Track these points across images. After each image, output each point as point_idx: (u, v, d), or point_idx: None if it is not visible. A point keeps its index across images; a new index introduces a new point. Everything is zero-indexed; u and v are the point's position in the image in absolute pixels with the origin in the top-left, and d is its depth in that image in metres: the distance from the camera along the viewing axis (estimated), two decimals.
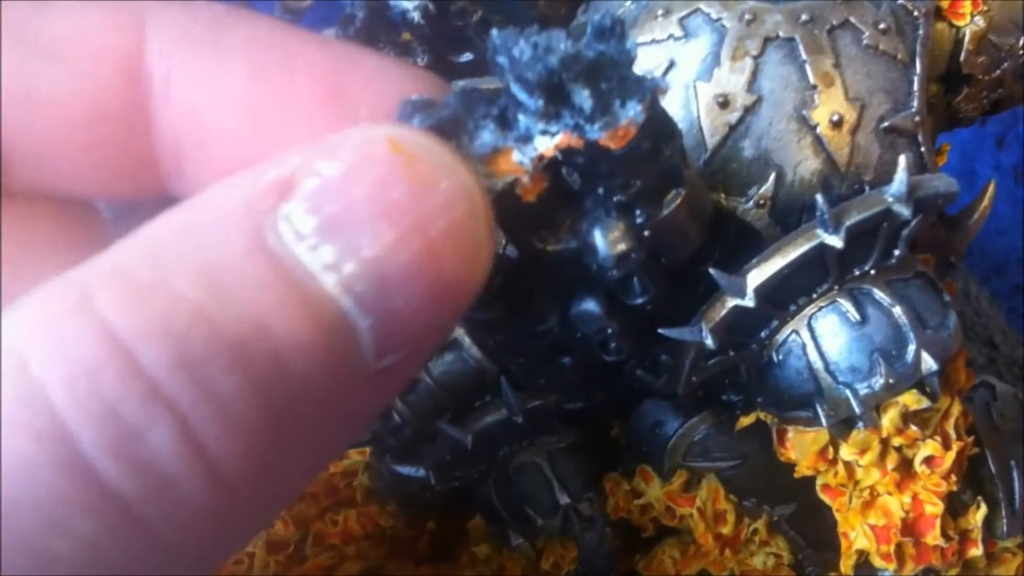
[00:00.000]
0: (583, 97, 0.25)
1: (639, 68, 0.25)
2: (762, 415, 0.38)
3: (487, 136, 0.25)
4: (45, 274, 0.19)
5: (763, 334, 0.36)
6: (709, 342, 0.34)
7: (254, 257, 0.19)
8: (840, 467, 0.37)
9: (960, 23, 0.39)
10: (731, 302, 0.33)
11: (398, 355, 0.20)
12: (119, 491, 0.18)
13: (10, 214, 0.24)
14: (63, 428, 0.17)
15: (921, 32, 0.37)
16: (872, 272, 0.35)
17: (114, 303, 0.18)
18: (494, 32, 0.24)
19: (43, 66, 0.23)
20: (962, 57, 0.39)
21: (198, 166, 0.24)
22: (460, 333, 0.38)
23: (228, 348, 0.18)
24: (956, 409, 0.37)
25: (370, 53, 0.25)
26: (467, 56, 0.40)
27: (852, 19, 0.36)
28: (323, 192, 0.19)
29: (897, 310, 0.35)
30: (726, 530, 0.42)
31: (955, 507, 0.39)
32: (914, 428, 0.36)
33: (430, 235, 0.19)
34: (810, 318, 0.35)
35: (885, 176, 0.34)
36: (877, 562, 0.38)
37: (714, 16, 0.36)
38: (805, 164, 0.35)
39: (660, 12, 0.36)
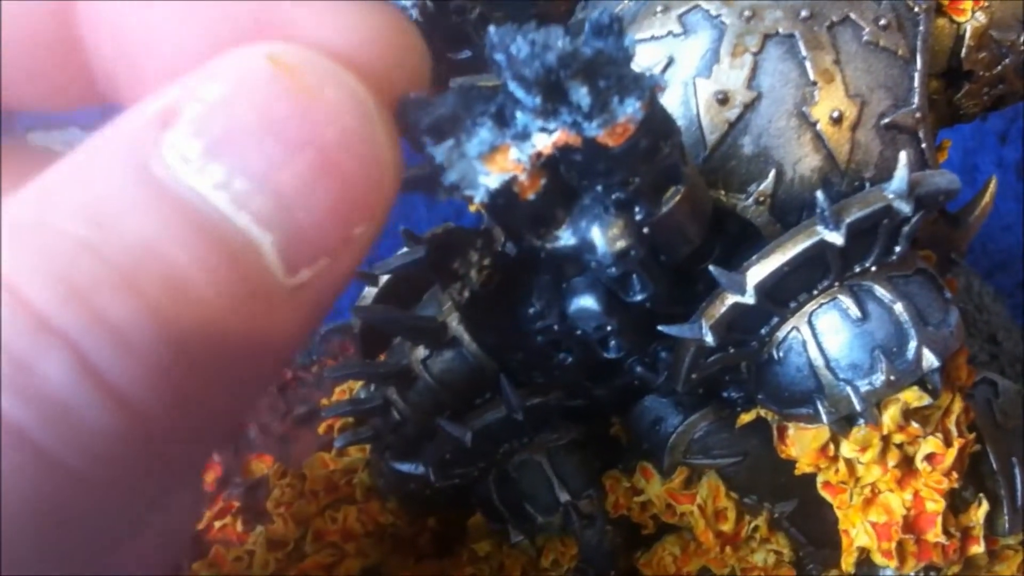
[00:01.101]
0: (581, 94, 0.25)
1: (638, 65, 0.25)
2: (763, 412, 0.38)
3: (485, 133, 0.25)
4: None
5: (763, 331, 0.35)
6: (709, 339, 0.34)
7: (137, 186, 0.19)
8: (841, 464, 0.37)
9: (961, 19, 0.39)
10: (731, 299, 0.33)
11: (313, 269, 0.20)
12: (19, 424, 0.18)
13: None
14: None
15: (922, 28, 0.37)
16: (873, 269, 0.35)
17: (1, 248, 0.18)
18: (492, 29, 0.24)
19: None
20: (963, 53, 0.39)
21: (133, 85, 0.24)
22: (460, 330, 0.38)
23: (114, 274, 0.18)
24: (957, 406, 0.37)
25: None
26: (466, 53, 0.40)
27: (852, 15, 0.35)
28: (207, 116, 0.19)
29: (898, 307, 0.34)
30: (727, 527, 0.42)
31: (956, 504, 0.39)
32: (915, 425, 0.36)
33: (321, 144, 0.19)
34: (811, 315, 0.35)
35: (886, 173, 0.34)
36: (878, 559, 0.38)
37: (713, 13, 0.36)
38: (805, 161, 0.35)
39: (659, 9, 0.36)
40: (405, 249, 0.35)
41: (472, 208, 0.49)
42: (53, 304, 0.18)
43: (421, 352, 0.38)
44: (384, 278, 0.40)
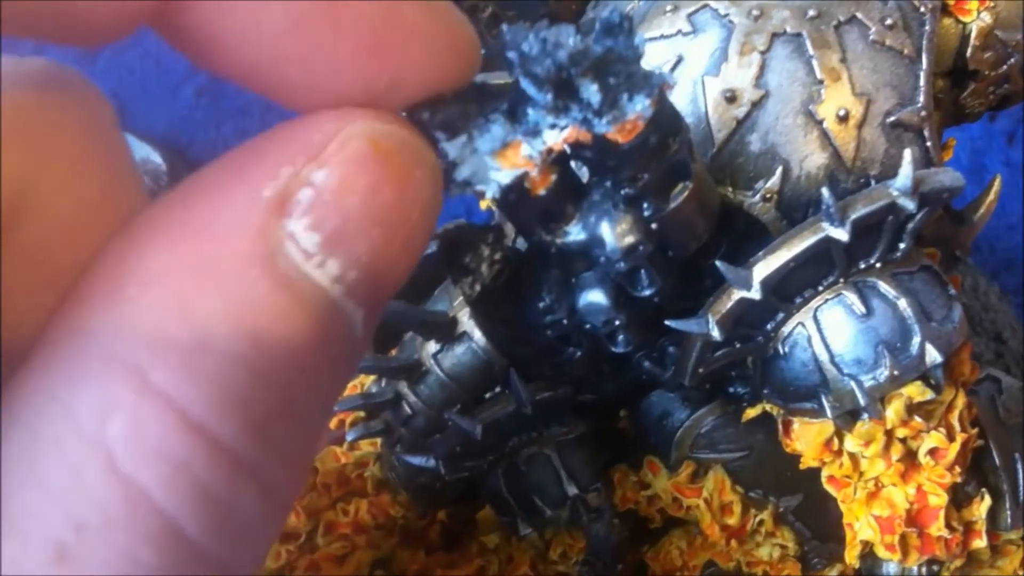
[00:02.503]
0: (591, 92, 0.25)
1: (647, 63, 0.25)
2: (768, 407, 0.39)
3: (497, 130, 0.25)
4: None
5: (769, 326, 0.36)
6: (715, 334, 0.34)
7: (278, 291, 0.19)
8: (845, 458, 0.38)
9: (966, 19, 0.39)
10: (737, 294, 0.34)
11: (378, 320, 0.22)
12: (223, 560, 0.19)
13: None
14: (174, 527, 0.18)
15: (927, 28, 0.37)
16: (878, 265, 0.35)
17: (173, 380, 0.18)
18: (504, 27, 0.25)
19: None
20: (968, 53, 0.39)
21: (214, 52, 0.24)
22: (470, 325, 0.38)
23: (280, 399, 0.19)
24: (960, 401, 0.37)
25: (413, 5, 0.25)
26: None
27: (859, 15, 0.36)
28: (320, 206, 0.20)
29: (902, 303, 0.35)
30: (732, 521, 0.42)
31: (959, 499, 0.39)
32: (918, 420, 0.36)
33: (411, 223, 0.21)
34: (816, 311, 0.35)
35: (891, 170, 0.35)
36: (881, 553, 0.38)
37: (722, 12, 0.36)
38: (811, 158, 0.35)
39: (669, 8, 0.37)
40: None
41: (483, 205, 0.50)
42: (240, 439, 0.18)
43: (432, 347, 0.39)
44: None
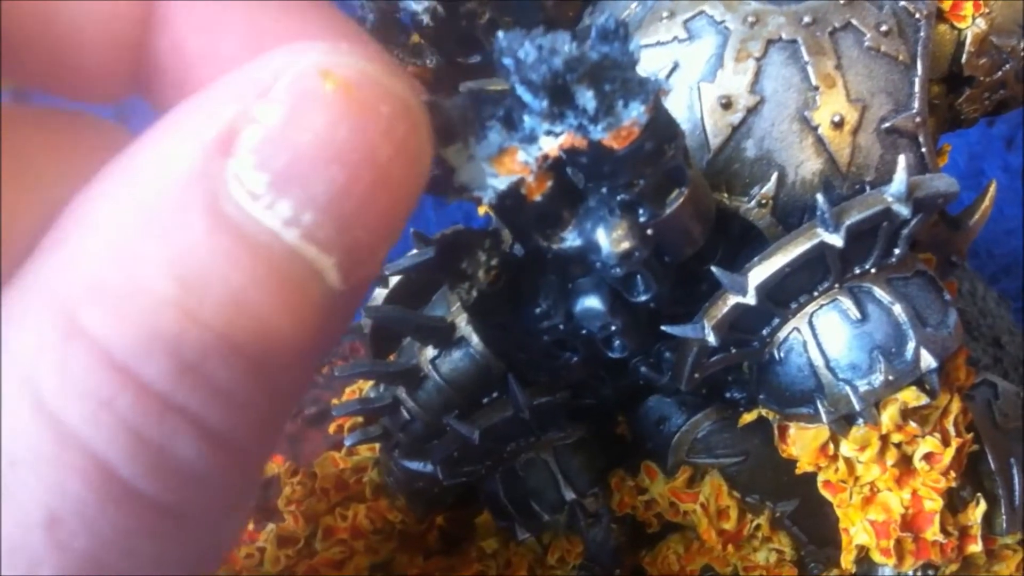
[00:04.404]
0: (587, 98, 0.25)
1: (644, 69, 0.26)
2: (764, 412, 0.39)
3: (493, 136, 0.26)
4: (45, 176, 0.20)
5: (765, 331, 0.36)
6: (711, 339, 0.34)
7: (218, 234, 0.19)
8: (841, 463, 0.38)
9: (962, 25, 0.39)
10: (733, 300, 0.34)
11: (364, 273, 0.21)
12: (164, 503, 0.19)
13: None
14: (102, 463, 0.18)
15: (923, 34, 0.37)
16: (873, 271, 0.35)
17: (102, 321, 0.18)
18: (500, 34, 0.25)
19: None
20: (964, 59, 0.39)
21: (175, 92, 0.24)
22: (468, 330, 0.38)
23: (218, 340, 0.19)
24: (956, 406, 0.37)
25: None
26: (475, 58, 0.41)
27: (854, 21, 0.36)
28: (268, 144, 0.19)
29: (897, 308, 0.35)
30: (729, 526, 0.42)
31: (955, 503, 0.39)
32: (913, 425, 0.36)
33: (379, 163, 0.19)
34: (811, 316, 0.36)
35: (886, 176, 0.35)
36: (877, 557, 0.38)
37: (718, 18, 0.36)
38: (807, 164, 0.35)
39: (665, 14, 0.37)
40: (415, 251, 0.36)
41: (481, 211, 0.50)
42: (172, 383, 0.18)
43: (430, 352, 0.39)
44: (394, 279, 0.40)
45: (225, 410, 0.19)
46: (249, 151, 0.19)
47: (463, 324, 0.38)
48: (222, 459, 0.19)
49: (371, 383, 0.44)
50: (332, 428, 0.52)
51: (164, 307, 0.18)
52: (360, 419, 0.45)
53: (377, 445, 0.47)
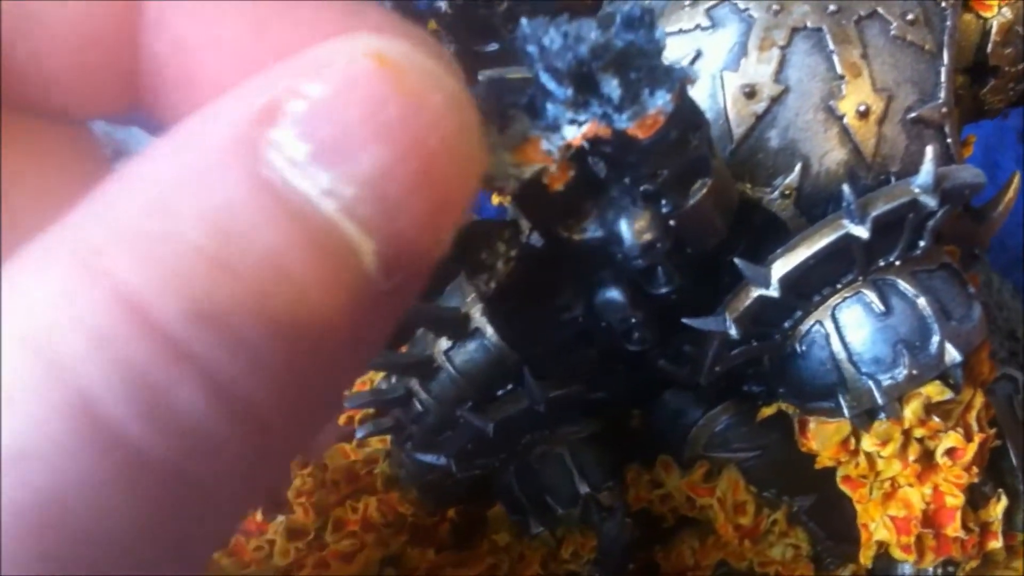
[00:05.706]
0: (612, 86, 0.25)
1: (667, 58, 0.25)
2: (783, 406, 0.38)
3: (516, 125, 0.25)
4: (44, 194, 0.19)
5: (787, 324, 0.36)
6: (733, 332, 0.34)
7: (258, 195, 0.18)
8: (861, 458, 0.37)
9: (987, 14, 0.39)
10: (755, 292, 0.33)
11: (405, 273, 0.20)
12: (160, 458, 0.18)
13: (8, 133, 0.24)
14: (88, 399, 0.17)
15: (949, 23, 0.37)
16: (897, 263, 0.35)
17: (126, 264, 0.18)
18: (524, 21, 0.24)
19: None
20: (989, 48, 0.39)
21: (181, 97, 0.24)
22: (483, 322, 0.38)
23: (249, 295, 0.18)
24: (979, 401, 0.37)
25: (374, 9, 0.25)
26: (493, 46, 0.40)
27: (880, 9, 0.36)
28: (313, 116, 0.19)
29: (921, 301, 0.35)
30: (745, 521, 0.42)
31: (976, 499, 0.39)
32: (936, 420, 0.36)
33: (426, 151, 0.19)
34: (834, 309, 0.35)
35: (911, 167, 0.34)
36: (897, 554, 0.38)
37: (741, 6, 0.36)
38: (831, 155, 0.35)
39: (687, 2, 0.36)
40: None
41: (495, 201, 0.50)
42: (189, 331, 0.18)
43: (444, 343, 0.38)
44: None
45: (244, 368, 0.18)
46: (293, 122, 0.19)
47: (478, 315, 0.38)
48: (229, 419, 0.19)
49: (383, 374, 0.44)
50: (343, 419, 0.52)
51: (197, 256, 0.18)
52: (372, 411, 0.44)
53: (388, 437, 0.46)
